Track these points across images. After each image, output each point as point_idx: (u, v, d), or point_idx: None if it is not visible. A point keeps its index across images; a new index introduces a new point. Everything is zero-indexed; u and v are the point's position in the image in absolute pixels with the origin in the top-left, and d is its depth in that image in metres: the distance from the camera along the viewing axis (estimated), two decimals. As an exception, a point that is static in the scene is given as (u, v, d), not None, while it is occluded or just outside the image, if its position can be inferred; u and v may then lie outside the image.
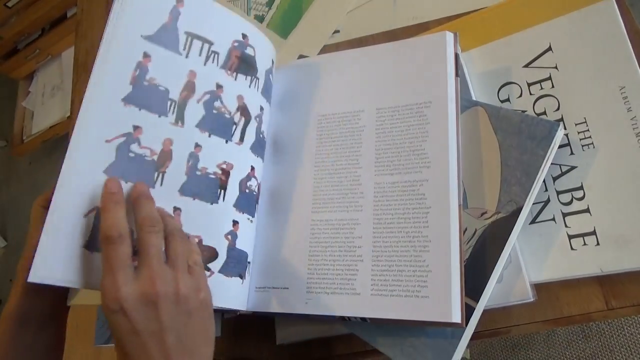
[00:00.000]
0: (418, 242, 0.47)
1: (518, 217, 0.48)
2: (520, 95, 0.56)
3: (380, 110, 0.54)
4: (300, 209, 0.54)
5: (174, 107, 0.49)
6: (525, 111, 0.55)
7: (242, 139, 0.53)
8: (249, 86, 0.54)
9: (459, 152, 0.49)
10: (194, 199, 0.48)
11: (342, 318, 0.49)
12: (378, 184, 0.51)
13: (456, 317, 0.44)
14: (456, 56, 0.53)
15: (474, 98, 0.56)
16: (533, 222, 0.51)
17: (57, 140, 1.93)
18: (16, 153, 2.00)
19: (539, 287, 0.50)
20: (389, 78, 0.55)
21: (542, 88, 0.55)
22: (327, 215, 0.52)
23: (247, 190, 0.52)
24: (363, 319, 0.48)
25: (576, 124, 0.52)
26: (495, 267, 0.48)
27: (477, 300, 0.47)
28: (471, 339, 0.48)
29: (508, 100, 0.56)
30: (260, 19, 0.81)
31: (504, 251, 0.48)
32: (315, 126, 0.56)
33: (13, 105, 2.04)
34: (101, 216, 0.40)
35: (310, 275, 0.51)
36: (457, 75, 0.52)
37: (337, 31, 0.74)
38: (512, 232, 0.48)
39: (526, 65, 0.56)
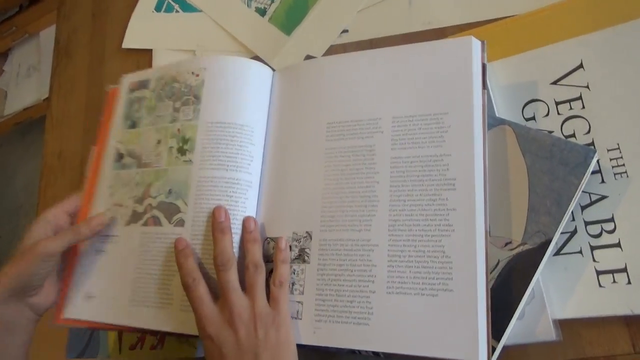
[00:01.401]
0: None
1: (547, 250, 0.44)
2: (547, 115, 0.52)
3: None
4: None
5: None
6: (552, 132, 0.51)
7: None
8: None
9: (485, 172, 0.45)
10: None
11: (352, 351, 0.44)
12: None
13: (483, 357, 0.40)
14: (484, 67, 0.48)
15: (497, 114, 0.52)
16: (558, 253, 0.47)
17: (32, 123, 1.83)
18: (-14, 134, 1.89)
19: (560, 324, 0.46)
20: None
21: (571, 108, 0.51)
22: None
23: None
24: (375, 354, 0.44)
25: (608, 150, 0.48)
26: (520, 304, 0.43)
27: (498, 339, 0.43)
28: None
29: (533, 118, 0.52)
30: (261, 12, 0.75)
31: (529, 287, 0.44)
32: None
33: (-15, 84, 1.93)
34: (178, 266, 0.47)
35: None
36: (484, 87, 0.48)
37: (345, 31, 0.69)
38: (539, 267, 0.44)
39: (554, 82, 0.52)
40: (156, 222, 0.51)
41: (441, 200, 0.44)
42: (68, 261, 0.54)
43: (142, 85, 0.58)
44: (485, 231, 0.43)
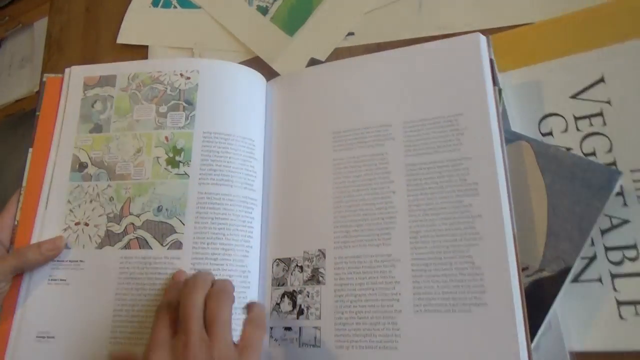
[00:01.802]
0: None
1: (566, 278, 0.41)
2: (566, 130, 0.48)
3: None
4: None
5: None
6: (571, 149, 0.47)
7: None
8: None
9: (507, 174, 0.42)
10: None
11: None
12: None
13: None
14: (491, 62, 0.46)
15: (511, 128, 0.49)
16: (575, 280, 0.44)
17: (23, 116, 1.77)
18: (-24, 125, 1.83)
19: (577, 357, 0.43)
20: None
21: (591, 124, 0.48)
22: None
23: None
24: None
25: (631, 171, 0.45)
26: (536, 336, 0.40)
27: (512, 374, 0.40)
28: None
29: (550, 134, 0.49)
30: (263, 10, 0.71)
31: (546, 317, 0.40)
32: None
33: (-24, 74, 1.87)
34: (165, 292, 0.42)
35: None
36: (495, 83, 0.45)
37: (351, 33, 0.65)
38: (557, 296, 0.41)
39: (574, 96, 0.49)
40: (142, 244, 0.45)
41: (464, 207, 0.41)
42: (8, 292, 0.45)
43: (106, 81, 0.52)
44: (514, 236, 0.40)
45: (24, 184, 0.49)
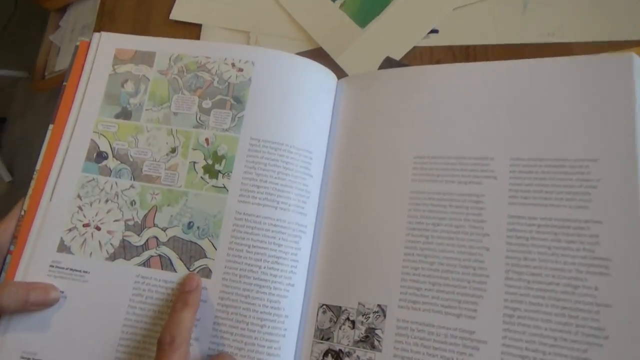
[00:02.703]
0: None
1: None
2: None
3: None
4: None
5: None
6: None
7: None
8: None
9: None
10: None
11: None
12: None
13: None
14: None
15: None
16: None
17: (80, 83, 1.73)
18: (35, 88, 1.81)
19: None
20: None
21: None
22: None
23: None
24: None
25: None
26: None
27: None
28: None
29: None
30: (333, -4, 0.60)
31: None
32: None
33: (41, 38, 1.85)
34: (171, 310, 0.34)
35: None
36: None
37: (434, 30, 0.53)
38: None
39: None
40: (165, 264, 0.36)
41: (586, 288, 0.30)
42: None
43: (142, 58, 0.42)
44: None
45: (37, 167, 0.40)
